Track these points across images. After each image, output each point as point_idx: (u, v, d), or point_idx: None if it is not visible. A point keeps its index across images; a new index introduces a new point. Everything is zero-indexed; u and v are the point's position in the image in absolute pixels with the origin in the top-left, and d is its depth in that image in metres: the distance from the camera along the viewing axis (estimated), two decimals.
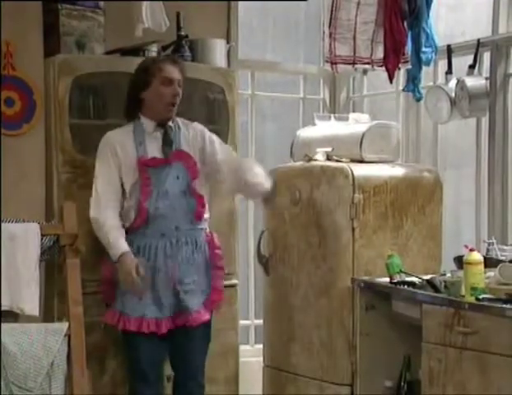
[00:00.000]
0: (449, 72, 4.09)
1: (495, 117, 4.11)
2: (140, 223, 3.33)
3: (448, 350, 3.30)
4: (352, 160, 3.99)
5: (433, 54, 4.09)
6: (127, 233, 3.38)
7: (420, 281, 3.63)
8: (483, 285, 3.32)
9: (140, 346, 3.35)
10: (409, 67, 4.13)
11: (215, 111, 4.11)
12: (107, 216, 3.33)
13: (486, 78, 4.06)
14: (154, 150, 3.36)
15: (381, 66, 4.10)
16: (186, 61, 3.93)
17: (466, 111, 4.04)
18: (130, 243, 3.35)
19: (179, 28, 3.97)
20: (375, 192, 3.90)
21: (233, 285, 4.09)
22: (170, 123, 3.42)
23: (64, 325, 3.45)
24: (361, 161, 4.01)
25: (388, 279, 3.71)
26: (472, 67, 4.01)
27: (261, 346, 4.35)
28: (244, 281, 4.50)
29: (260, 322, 4.39)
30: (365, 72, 4.70)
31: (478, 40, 3.99)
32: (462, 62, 4.12)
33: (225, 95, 4.06)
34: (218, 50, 4.06)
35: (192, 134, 3.45)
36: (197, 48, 4.02)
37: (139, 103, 3.39)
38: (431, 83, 4.33)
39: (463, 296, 3.32)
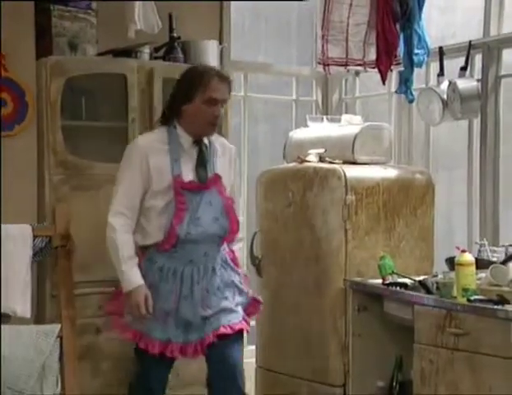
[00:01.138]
0: (441, 74, 4.11)
1: (487, 119, 4.12)
2: (168, 247, 3.12)
3: (439, 351, 3.31)
4: (345, 162, 4.01)
5: (425, 56, 4.10)
6: (145, 248, 3.17)
7: (412, 282, 3.64)
8: (475, 286, 3.33)
9: (153, 366, 3.21)
10: (401, 68, 4.15)
11: None
12: (121, 227, 3.10)
13: (478, 80, 4.08)
14: (188, 169, 3.13)
15: (373, 67, 4.11)
16: (178, 62, 3.94)
17: (458, 113, 4.05)
18: (153, 261, 3.16)
19: (171, 29, 3.97)
20: (368, 194, 3.91)
21: None
22: (205, 141, 3.19)
23: (56, 327, 3.44)
24: (354, 163, 4.02)
25: (380, 280, 3.73)
26: (463, 69, 4.02)
27: (254, 347, 4.35)
28: None
29: (253, 323, 4.39)
30: (357, 73, 4.71)
31: (470, 42, 4.00)
32: (453, 65, 4.14)
33: None
34: (210, 52, 4.06)
35: (228, 159, 3.25)
36: (189, 49, 4.02)
37: (178, 112, 3.14)
38: (423, 85, 4.35)
39: (455, 297, 3.33)
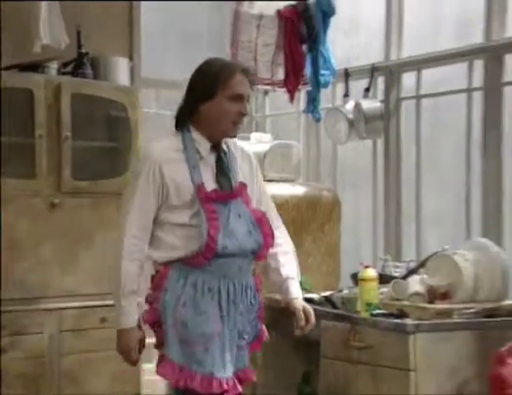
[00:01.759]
0: (347, 94, 4.24)
1: (390, 138, 4.27)
2: (203, 260, 2.66)
3: (345, 365, 3.39)
4: None
5: (331, 77, 4.22)
6: (168, 263, 2.70)
7: (318, 297, 3.72)
8: (377, 300, 3.43)
9: None
10: (308, 88, 4.25)
11: (117, 129, 4.10)
12: (130, 255, 2.66)
13: (381, 101, 4.23)
14: (208, 178, 2.71)
15: (282, 87, 4.20)
16: (87, 78, 3.92)
17: (363, 132, 4.19)
18: (183, 277, 2.68)
19: (79, 45, 3.95)
20: (277, 211, 3.97)
21: None
22: (224, 146, 2.77)
23: None
24: (263, 180, 4.08)
25: None
26: (367, 90, 4.16)
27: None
28: None
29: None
30: (266, 92, 4.80)
31: (373, 65, 4.15)
32: (359, 86, 4.28)
33: (128, 113, 4.06)
34: (120, 68, 4.06)
35: (248, 166, 2.82)
36: (98, 65, 4.01)
37: (194, 113, 2.70)
38: (330, 105, 4.47)
39: (359, 312, 3.43)
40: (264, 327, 2.86)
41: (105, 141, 3.75)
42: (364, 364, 3.31)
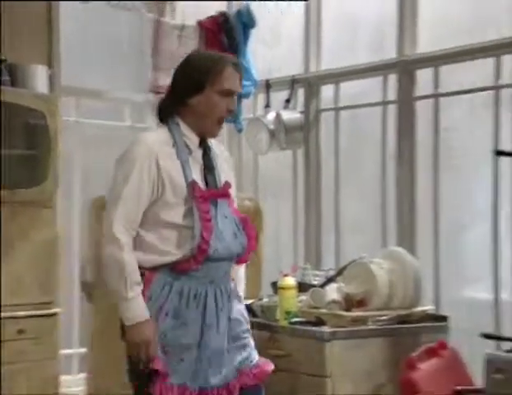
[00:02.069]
0: (268, 105, 4.30)
1: (310, 149, 4.35)
2: (193, 265, 2.54)
3: None
4: None
5: (252, 88, 4.28)
6: (153, 269, 2.57)
7: None
8: (296, 309, 3.49)
9: None
10: None
11: (36, 137, 4.04)
12: (128, 246, 2.52)
13: (301, 112, 4.30)
14: (197, 175, 2.59)
15: None
16: (4, 85, 3.85)
17: (283, 143, 4.25)
18: (168, 284, 2.56)
19: None
20: None
21: (53, 314, 4.01)
22: (208, 142, 2.65)
23: None
24: None
25: None
26: (288, 101, 4.23)
27: (84, 375, 4.28)
28: (70, 309, 4.43)
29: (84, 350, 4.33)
30: None
31: (293, 77, 4.22)
32: (280, 97, 4.34)
33: (47, 122, 4.01)
34: (39, 76, 4.00)
35: (227, 165, 2.71)
36: (16, 72, 3.94)
37: (182, 106, 2.57)
38: (252, 115, 4.52)
39: (278, 320, 3.47)
40: None
41: (24, 150, 3.68)
42: (282, 372, 3.35)
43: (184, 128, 2.58)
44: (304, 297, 3.58)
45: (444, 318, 3.49)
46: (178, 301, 2.56)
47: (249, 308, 3.67)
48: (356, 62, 4.08)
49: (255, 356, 2.70)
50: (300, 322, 3.43)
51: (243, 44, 4.11)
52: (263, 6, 4.43)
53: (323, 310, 3.40)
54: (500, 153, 3.10)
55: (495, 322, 3.51)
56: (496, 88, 3.49)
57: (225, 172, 2.66)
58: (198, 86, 2.54)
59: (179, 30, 4.10)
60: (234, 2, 4.37)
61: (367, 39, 4.11)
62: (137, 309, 2.51)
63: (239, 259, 2.67)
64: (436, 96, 3.77)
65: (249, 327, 2.74)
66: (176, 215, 2.54)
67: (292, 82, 4.19)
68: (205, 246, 2.51)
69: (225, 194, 2.60)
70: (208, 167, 2.61)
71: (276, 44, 4.51)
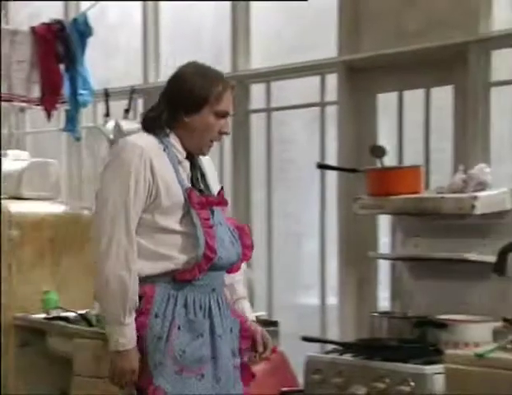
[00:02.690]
0: (107, 114, 4.30)
1: None
2: (197, 274, 2.38)
3: (97, 382, 3.43)
4: (12, 197, 4.02)
5: (90, 97, 4.27)
6: (153, 278, 2.37)
7: (75, 315, 3.74)
8: None
9: None
10: (67, 107, 4.26)
11: None
12: (135, 264, 2.32)
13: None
14: (188, 183, 2.47)
15: (38, 105, 4.17)
16: None
17: None
18: (172, 295, 2.38)
19: None
20: (33, 229, 3.95)
21: None
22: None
23: None
24: (20, 198, 4.05)
25: (44, 315, 3.77)
26: (127, 111, 4.26)
27: None
28: None
29: None
30: (22, 109, 4.74)
31: (132, 87, 4.26)
32: (121, 106, 4.35)
33: None
34: None
35: (213, 174, 2.60)
36: None
37: (175, 122, 2.45)
38: (92, 124, 4.51)
39: None
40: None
41: None
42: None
43: (174, 140, 2.45)
44: None
45: (274, 323, 3.63)
46: (185, 313, 2.39)
47: (84, 317, 3.69)
48: None
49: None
50: None
51: (79, 52, 4.09)
52: (101, 15, 4.45)
53: None
54: (321, 166, 3.29)
55: (321, 326, 3.71)
56: (322, 105, 3.70)
57: (214, 180, 2.57)
58: (196, 106, 2.43)
59: (11, 36, 4.02)
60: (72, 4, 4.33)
61: (205, 53, 4.22)
62: (132, 335, 2.33)
63: (231, 268, 2.52)
64: (268, 110, 3.94)
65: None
66: (173, 220, 2.39)
67: (131, 92, 4.23)
68: (211, 254, 2.37)
69: (221, 202, 2.49)
70: (197, 177, 2.50)
71: (116, 53, 4.53)
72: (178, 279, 2.37)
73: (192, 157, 2.48)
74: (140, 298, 2.35)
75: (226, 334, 2.44)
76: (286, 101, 3.91)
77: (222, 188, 2.54)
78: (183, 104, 2.43)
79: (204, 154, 2.52)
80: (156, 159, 2.37)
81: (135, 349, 2.33)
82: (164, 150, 2.41)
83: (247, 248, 2.53)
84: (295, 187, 3.97)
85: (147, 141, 2.42)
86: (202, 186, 2.48)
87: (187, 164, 2.47)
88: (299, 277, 4.01)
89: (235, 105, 2.50)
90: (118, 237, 2.30)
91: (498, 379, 2.36)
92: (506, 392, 2.33)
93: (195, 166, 2.50)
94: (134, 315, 2.33)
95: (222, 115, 2.46)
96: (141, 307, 2.35)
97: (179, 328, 2.36)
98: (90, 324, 3.65)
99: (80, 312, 3.75)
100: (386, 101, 3.52)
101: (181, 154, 2.46)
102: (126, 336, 2.32)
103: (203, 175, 2.51)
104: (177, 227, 2.39)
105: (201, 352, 2.38)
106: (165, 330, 2.35)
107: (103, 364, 3.41)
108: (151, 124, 2.46)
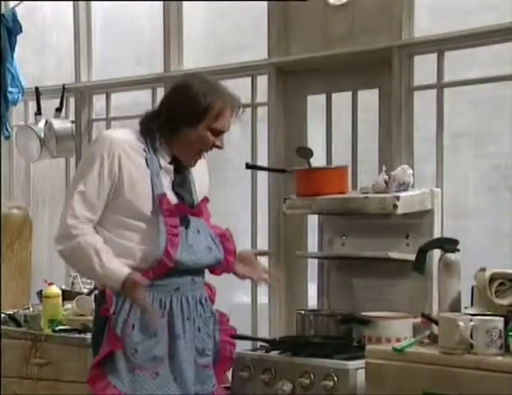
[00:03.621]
0: (38, 113, 4.26)
1: (81, 157, 4.35)
2: (154, 276, 2.45)
3: (24, 383, 3.42)
4: None
5: (19, 95, 4.23)
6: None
7: (4, 316, 3.70)
8: (61, 317, 3.51)
9: None
10: None
11: None
12: (90, 229, 2.42)
13: (73, 121, 4.32)
14: (166, 187, 2.51)
15: None
16: None
17: (54, 151, 4.24)
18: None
19: None
20: None
21: None
22: None
23: None
24: None
25: None
26: (59, 110, 4.23)
27: None
28: None
29: None
30: None
31: (63, 86, 4.23)
32: (52, 104, 4.32)
33: None
34: None
35: (207, 179, 2.68)
36: None
37: (167, 129, 2.50)
38: (22, 122, 4.46)
39: (43, 329, 3.47)
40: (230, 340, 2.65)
41: None
42: (44, 381, 3.37)
43: (160, 146, 2.50)
44: (69, 305, 3.62)
45: None
46: (142, 312, 2.44)
47: (12, 318, 3.66)
48: (128, 74, 4.17)
49: (215, 380, 2.60)
50: (65, 330, 3.46)
51: (8, 49, 4.05)
52: (32, 13, 4.40)
53: (90, 317, 3.44)
54: (250, 166, 3.33)
55: (252, 325, 3.76)
56: (253, 106, 3.75)
57: (203, 182, 2.63)
58: (194, 121, 2.47)
59: None
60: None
61: (138, 53, 4.22)
62: (117, 269, 2.41)
63: (212, 271, 2.62)
64: None
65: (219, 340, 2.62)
66: (141, 221, 2.46)
67: (63, 91, 4.19)
68: (168, 261, 2.44)
69: (194, 213, 2.54)
70: (182, 182, 2.55)
71: (46, 52, 4.49)
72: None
73: (181, 162, 2.53)
74: (103, 296, 2.45)
75: (190, 334, 2.49)
76: None
77: (206, 198, 2.60)
78: (181, 115, 2.47)
79: (191, 166, 2.56)
80: (127, 155, 2.44)
81: (132, 275, 2.40)
82: (144, 150, 2.48)
83: (229, 253, 2.62)
84: (234, 186, 3.99)
85: (125, 136, 2.49)
86: (183, 192, 2.52)
87: (170, 168, 2.52)
88: (234, 276, 4.04)
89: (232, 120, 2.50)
90: (74, 214, 2.43)
91: (415, 373, 2.44)
92: (423, 385, 2.41)
93: (182, 172, 2.54)
94: (112, 255, 2.42)
95: (217, 133, 2.51)
96: (103, 305, 2.43)
97: (133, 327, 2.42)
98: (18, 324, 3.62)
99: (8, 312, 3.72)
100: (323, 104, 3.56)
101: (165, 159, 2.51)
102: (112, 273, 2.40)
103: (188, 182, 2.55)
104: (144, 228, 2.46)
105: (154, 351, 2.42)
106: (119, 328, 2.41)
107: (30, 364, 3.41)
108: (145, 125, 2.52)
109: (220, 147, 2.53)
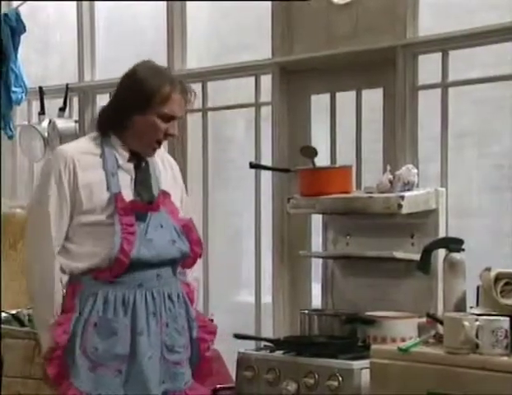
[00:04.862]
0: (42, 112, 4.27)
1: None
2: (114, 275, 2.47)
3: (27, 382, 3.41)
4: None
5: (23, 94, 4.23)
6: (76, 281, 2.48)
7: (6, 315, 3.70)
8: None
9: None
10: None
11: None
12: (56, 270, 2.45)
13: (76, 121, 4.33)
14: (127, 187, 2.51)
15: None
16: None
17: None
18: (92, 293, 2.46)
19: None
20: None
21: None
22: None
23: None
24: None
25: None
26: (62, 109, 4.23)
27: None
28: None
29: None
30: None
31: (67, 85, 4.23)
32: (55, 104, 4.32)
33: None
34: None
35: (171, 174, 2.64)
36: None
37: (120, 121, 2.49)
38: (26, 122, 4.46)
39: None
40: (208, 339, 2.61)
41: None
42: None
43: (115, 141, 2.51)
44: None
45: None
46: (104, 309, 2.46)
47: (15, 317, 3.65)
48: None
49: (189, 377, 2.57)
50: None
51: (12, 49, 4.05)
52: (35, 13, 4.40)
53: None
54: (254, 166, 3.33)
55: (256, 324, 3.76)
56: (256, 105, 3.74)
57: (166, 180, 2.60)
58: (141, 107, 2.45)
59: None
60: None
61: (142, 52, 4.20)
62: (48, 339, 2.45)
63: (182, 264, 2.60)
64: (205, 110, 3.96)
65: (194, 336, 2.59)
66: (99, 220, 2.47)
67: (66, 90, 4.20)
68: (124, 258, 2.44)
69: (155, 208, 2.52)
70: (142, 179, 2.53)
71: (50, 51, 4.49)
72: (98, 278, 2.47)
73: (141, 158, 2.53)
74: (67, 296, 2.47)
75: (154, 329, 2.47)
76: (233, 100, 3.92)
77: (163, 191, 2.56)
78: (129, 102, 2.45)
79: (149, 156, 2.55)
80: (81, 165, 2.46)
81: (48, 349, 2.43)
82: (100, 156, 2.49)
83: (194, 243, 2.60)
84: (237, 186, 3.99)
85: (76, 148, 2.52)
86: (141, 189, 2.51)
87: (129, 166, 2.52)
88: (238, 276, 4.04)
89: (186, 105, 2.48)
90: (45, 247, 2.44)
91: (420, 373, 2.43)
92: (428, 385, 2.41)
93: (143, 168, 2.53)
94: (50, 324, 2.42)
95: (168, 118, 2.47)
96: (67, 305, 2.45)
97: (95, 325, 2.44)
98: (22, 324, 3.62)
99: (11, 312, 3.72)
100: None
101: (123, 157, 2.51)
102: (47, 336, 2.43)
103: (147, 179, 2.53)
104: (102, 227, 2.47)
105: (116, 350, 2.43)
106: (81, 327, 2.44)
107: (34, 364, 3.40)
108: (98, 123, 2.53)
109: (173, 135, 2.52)
